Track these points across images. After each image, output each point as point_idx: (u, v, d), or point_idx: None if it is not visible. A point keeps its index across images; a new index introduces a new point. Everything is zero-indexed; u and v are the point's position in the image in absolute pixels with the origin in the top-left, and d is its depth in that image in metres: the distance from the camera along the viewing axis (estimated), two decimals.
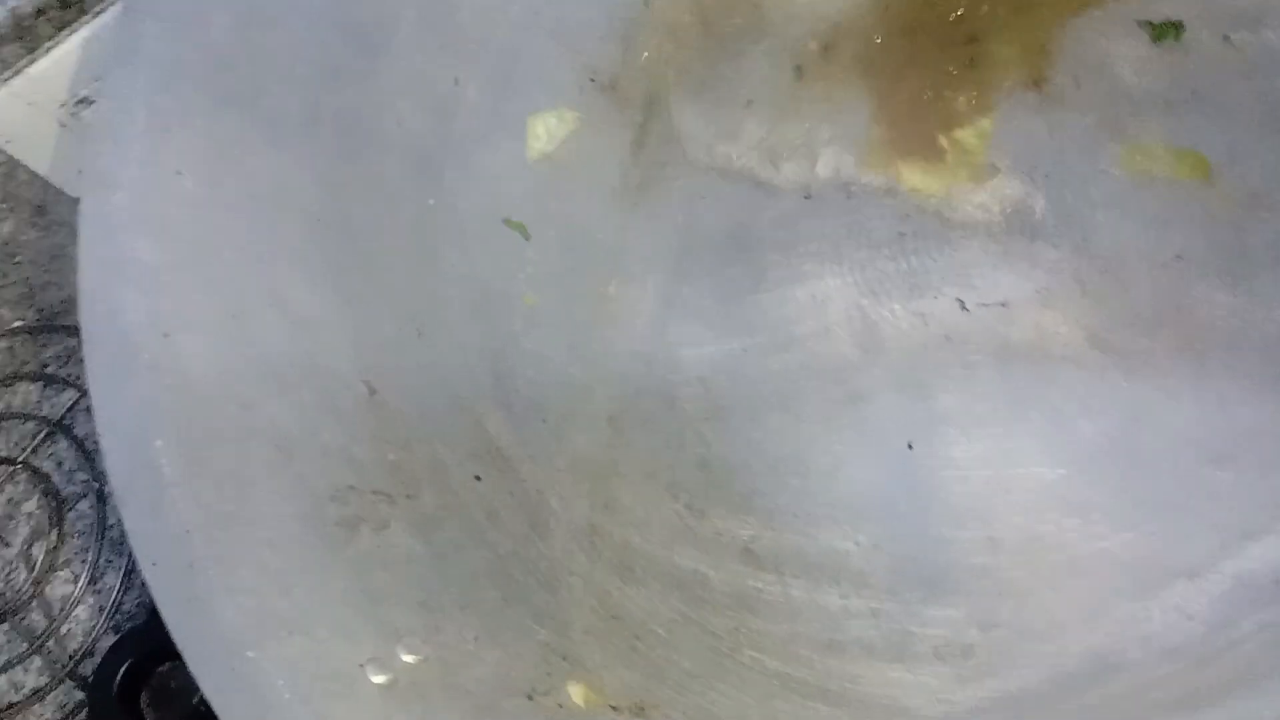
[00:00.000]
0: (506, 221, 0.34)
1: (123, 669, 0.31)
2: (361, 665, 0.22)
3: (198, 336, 0.26)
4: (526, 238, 0.34)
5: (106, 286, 0.26)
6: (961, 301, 0.33)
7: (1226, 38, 0.31)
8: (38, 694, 0.35)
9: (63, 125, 0.33)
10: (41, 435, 0.38)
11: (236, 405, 0.25)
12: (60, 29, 0.33)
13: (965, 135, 0.34)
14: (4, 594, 0.36)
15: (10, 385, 0.39)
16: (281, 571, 0.24)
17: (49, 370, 0.39)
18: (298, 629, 0.23)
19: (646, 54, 0.35)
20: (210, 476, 0.24)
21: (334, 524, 0.25)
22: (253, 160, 0.29)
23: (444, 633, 0.24)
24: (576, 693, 0.24)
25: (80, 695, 0.34)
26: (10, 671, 0.35)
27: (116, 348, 0.25)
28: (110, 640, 0.36)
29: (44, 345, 0.39)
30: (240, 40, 0.30)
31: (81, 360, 0.25)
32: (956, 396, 0.32)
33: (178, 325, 0.26)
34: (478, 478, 0.29)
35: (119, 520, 0.35)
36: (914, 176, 0.33)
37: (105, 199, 0.27)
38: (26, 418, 0.38)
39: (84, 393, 0.37)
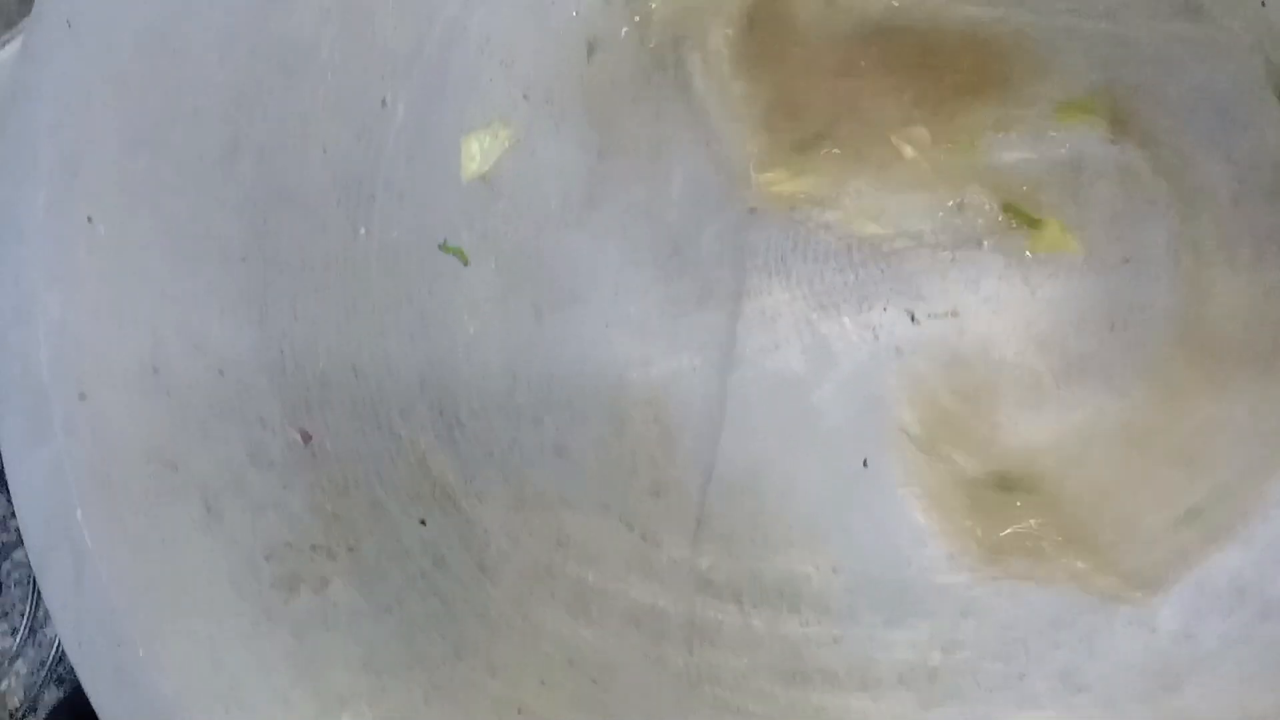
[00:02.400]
0: (442, 247, 0.33)
1: None
2: None
3: (116, 393, 0.24)
4: (465, 263, 0.33)
5: (17, 344, 0.25)
6: (911, 313, 0.32)
7: None
8: None
9: None
10: None
11: (160, 464, 0.24)
12: None
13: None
14: None
15: None
16: (215, 641, 0.23)
17: None
18: (234, 703, 0.22)
19: (579, 66, 0.34)
20: (135, 545, 0.23)
21: (270, 586, 0.24)
22: (168, 199, 0.28)
23: (391, 694, 0.23)
24: None
25: None
26: None
27: (30, 411, 0.24)
28: (53, 694, 0.35)
29: None
30: (149, 72, 0.28)
31: None
32: (910, 409, 0.31)
33: (94, 383, 0.24)
34: (423, 522, 0.28)
35: None
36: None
37: (12, 250, 0.25)
38: None
39: None
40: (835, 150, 0.34)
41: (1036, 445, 0.31)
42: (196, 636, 0.22)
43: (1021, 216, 0.31)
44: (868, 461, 0.31)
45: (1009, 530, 0.30)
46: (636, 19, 0.34)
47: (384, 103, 0.32)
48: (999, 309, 0.32)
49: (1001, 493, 0.31)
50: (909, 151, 0.33)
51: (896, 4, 0.33)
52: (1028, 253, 0.31)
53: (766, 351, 0.33)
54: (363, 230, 0.31)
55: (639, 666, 0.27)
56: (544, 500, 0.30)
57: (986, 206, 0.32)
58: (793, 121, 0.34)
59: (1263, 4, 0.28)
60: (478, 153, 0.34)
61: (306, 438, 0.27)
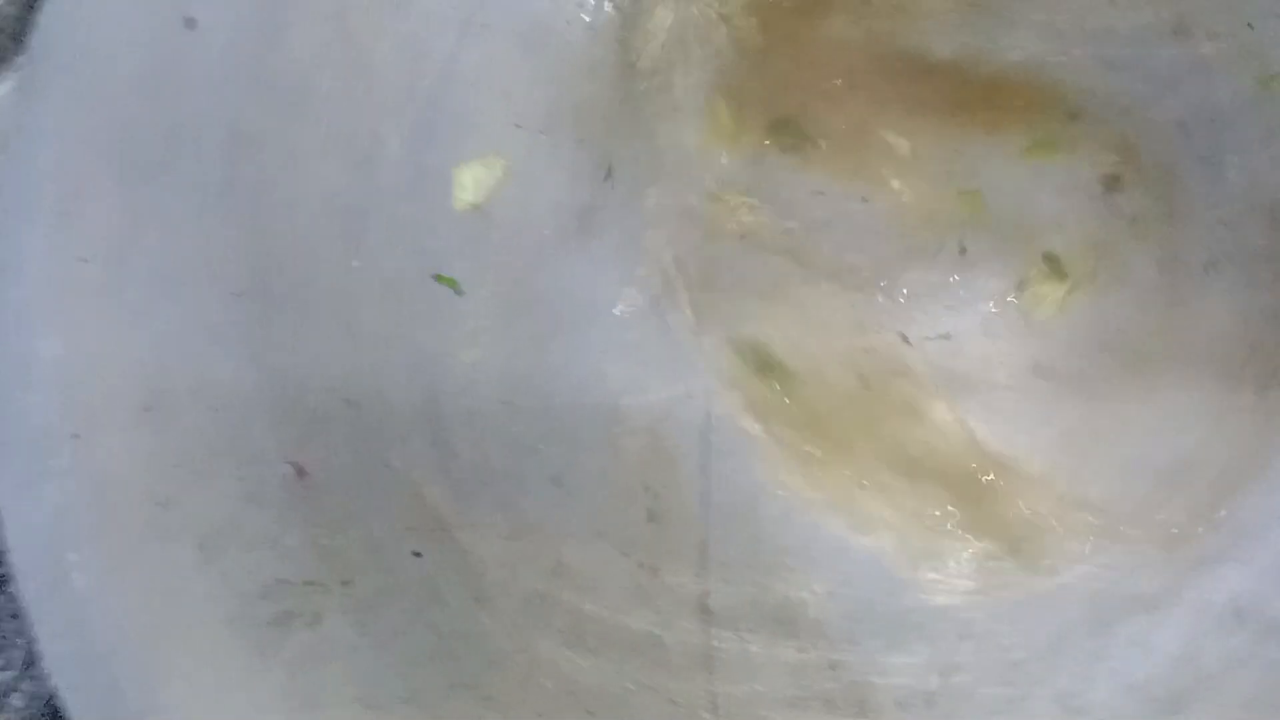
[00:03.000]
0: (437, 277, 0.33)
1: None
2: None
3: (111, 434, 0.25)
4: (459, 293, 0.33)
5: (11, 388, 0.25)
6: (904, 335, 0.32)
7: None
8: None
9: None
10: None
11: (155, 504, 0.24)
12: None
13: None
14: None
15: None
16: (211, 683, 0.22)
17: None
18: None
19: (572, 96, 0.34)
20: (130, 588, 0.23)
21: (265, 624, 0.24)
22: (163, 238, 0.28)
23: None
24: None
25: None
26: None
27: (25, 454, 0.24)
28: None
29: None
30: (145, 111, 0.29)
31: None
32: (904, 434, 0.31)
33: (89, 424, 0.24)
34: (417, 554, 0.28)
35: None
36: None
37: (6, 293, 0.26)
38: None
39: None
40: (826, 172, 0.34)
41: (1030, 467, 0.31)
42: (191, 677, 0.22)
43: (1055, 267, 0.31)
44: (863, 484, 0.31)
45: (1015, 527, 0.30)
46: (628, 47, 0.34)
47: (377, 135, 0.33)
48: (992, 331, 0.32)
49: (998, 495, 0.31)
50: (905, 148, 0.33)
51: (885, 25, 0.33)
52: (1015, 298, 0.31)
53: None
54: (357, 263, 0.31)
55: (637, 696, 0.27)
56: (540, 530, 0.30)
57: (976, 231, 0.32)
58: (781, 139, 0.34)
59: (1250, 26, 0.28)
60: (470, 183, 0.34)
61: (301, 472, 0.27)
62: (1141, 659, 0.27)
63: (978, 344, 0.32)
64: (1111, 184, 0.31)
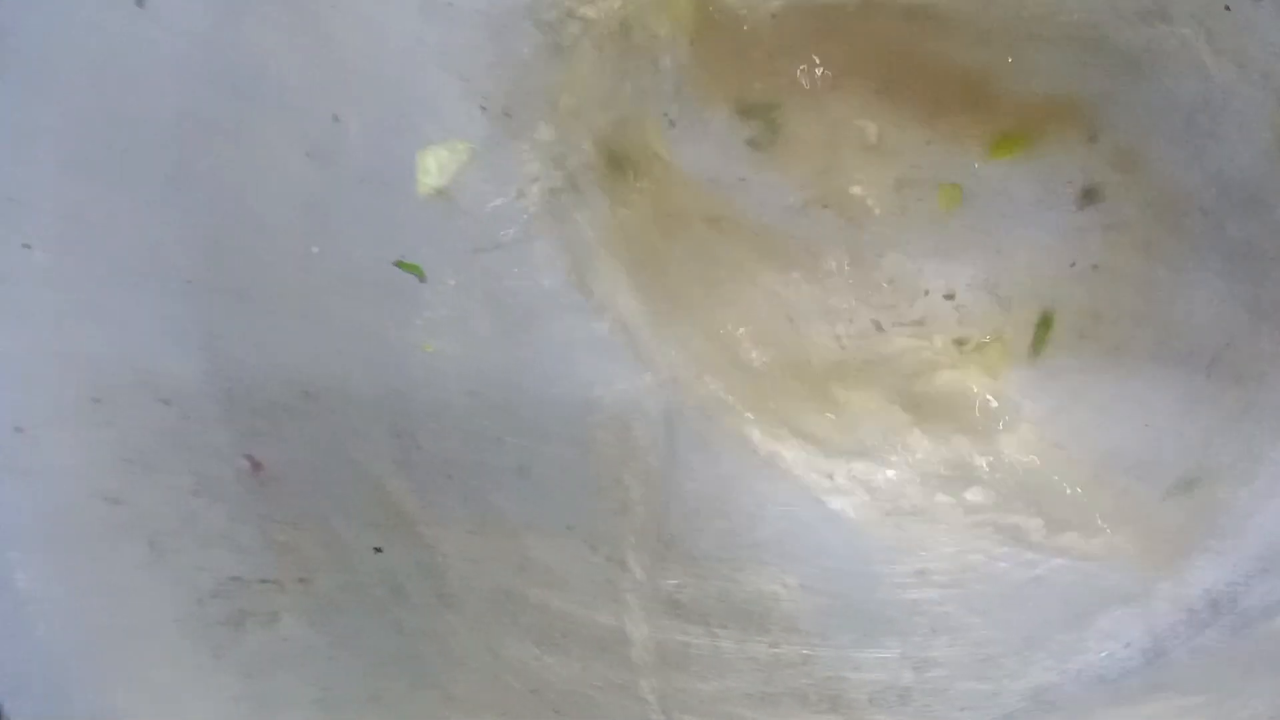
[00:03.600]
0: (399, 264, 0.32)
1: None
2: None
3: (56, 428, 0.24)
4: (422, 279, 0.32)
5: None
6: (877, 323, 0.32)
7: None
8: None
9: None
10: None
11: (102, 500, 0.23)
12: None
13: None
14: None
15: None
16: (163, 686, 0.22)
17: None
18: None
19: (538, 77, 0.34)
20: (76, 588, 0.22)
21: (218, 623, 0.23)
22: (113, 225, 0.27)
23: None
24: None
25: None
26: None
27: None
28: None
29: None
30: (96, 97, 0.27)
31: None
32: (878, 423, 0.31)
33: (32, 418, 0.23)
34: (378, 549, 0.27)
35: None
36: None
37: None
38: None
39: None
40: (796, 160, 0.33)
41: (1010, 456, 0.30)
42: (140, 681, 0.22)
43: (1045, 326, 0.31)
44: (834, 475, 0.31)
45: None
46: (594, 30, 0.34)
47: (335, 118, 0.32)
48: (966, 319, 0.31)
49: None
50: (873, 132, 0.32)
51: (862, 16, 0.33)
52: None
53: (733, 366, 0.32)
54: (316, 249, 0.30)
55: (604, 694, 0.27)
56: (506, 523, 0.29)
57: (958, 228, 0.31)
58: (749, 121, 0.33)
59: (1226, 8, 0.28)
60: (434, 167, 0.33)
61: (257, 466, 0.26)
62: (1117, 653, 0.27)
63: (952, 331, 0.31)
64: (1093, 170, 0.31)
